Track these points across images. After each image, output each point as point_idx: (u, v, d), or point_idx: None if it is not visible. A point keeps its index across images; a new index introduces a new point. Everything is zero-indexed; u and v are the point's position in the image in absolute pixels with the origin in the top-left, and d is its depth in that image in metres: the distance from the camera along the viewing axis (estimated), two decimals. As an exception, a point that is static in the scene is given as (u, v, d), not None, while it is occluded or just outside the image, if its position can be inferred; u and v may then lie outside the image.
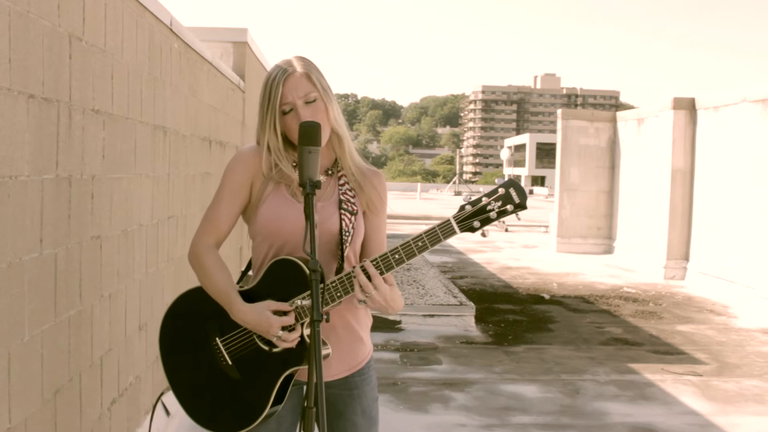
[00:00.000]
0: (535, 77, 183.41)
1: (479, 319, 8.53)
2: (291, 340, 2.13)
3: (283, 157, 2.30)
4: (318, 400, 1.86)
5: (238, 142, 7.07)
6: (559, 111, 16.22)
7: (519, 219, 2.13)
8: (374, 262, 2.14)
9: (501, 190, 2.09)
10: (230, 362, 2.24)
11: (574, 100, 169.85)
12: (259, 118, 2.30)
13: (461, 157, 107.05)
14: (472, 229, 2.10)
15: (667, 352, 7.47)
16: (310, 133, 2.06)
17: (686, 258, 12.48)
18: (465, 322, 8.25)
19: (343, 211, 2.30)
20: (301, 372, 2.23)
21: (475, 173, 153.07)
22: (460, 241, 18.24)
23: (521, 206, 2.08)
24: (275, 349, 2.18)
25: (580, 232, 15.77)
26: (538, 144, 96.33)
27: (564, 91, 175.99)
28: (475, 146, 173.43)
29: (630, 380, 6.41)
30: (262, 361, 2.19)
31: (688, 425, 5.34)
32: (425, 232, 2.12)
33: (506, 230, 21.73)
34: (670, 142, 12.55)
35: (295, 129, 2.16)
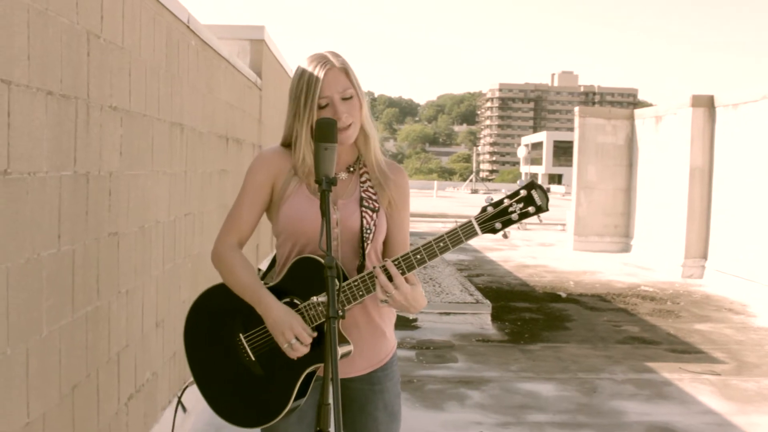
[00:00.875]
0: (553, 75, 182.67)
1: (495, 317, 8.51)
2: (299, 352, 2.15)
3: (311, 152, 2.30)
4: (334, 397, 1.87)
5: (254, 139, 7.09)
6: (576, 109, 16.13)
7: (540, 221, 2.15)
8: (395, 262, 2.14)
9: (523, 192, 2.09)
10: (253, 358, 2.25)
11: (591, 98, 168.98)
12: (292, 112, 2.28)
13: (478, 155, 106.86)
14: (494, 231, 2.10)
15: (684, 351, 7.41)
16: (326, 129, 2.07)
17: (704, 256, 12.39)
18: (481, 320, 8.23)
19: (364, 209, 2.29)
20: (322, 368, 2.24)
21: (492, 171, 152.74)
22: (477, 239, 18.15)
23: (542, 209, 2.08)
24: (294, 342, 2.18)
25: (597, 231, 15.69)
26: (555, 142, 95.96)
27: (581, 89, 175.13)
28: (492, 144, 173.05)
29: (647, 379, 6.37)
30: (285, 358, 2.20)
31: (706, 425, 5.29)
32: (447, 233, 2.12)
33: (524, 228, 21.65)
34: (688, 139, 12.45)
35: None
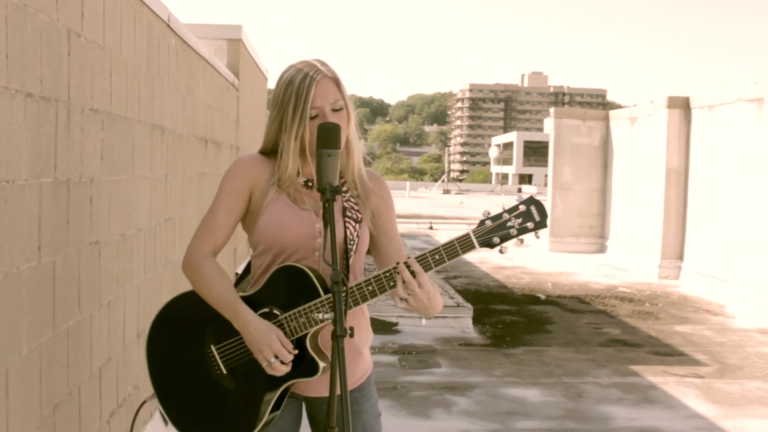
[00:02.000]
0: (523, 75, 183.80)
1: (476, 320, 8.43)
2: (279, 371, 2.03)
3: (295, 164, 2.18)
4: (345, 419, 1.76)
5: (232, 141, 6.93)
6: (552, 110, 16.14)
7: (538, 237, 2.06)
8: (386, 274, 2.03)
9: (522, 207, 2.02)
10: (225, 371, 2.13)
11: (561, 99, 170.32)
12: (277, 121, 2.17)
13: (450, 155, 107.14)
14: (491, 245, 2.02)
15: (667, 354, 7.39)
16: (329, 135, 1.95)
17: (680, 257, 12.43)
18: (462, 323, 8.14)
19: (347, 219, 2.20)
20: (298, 385, 2.15)
21: (462, 171, 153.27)
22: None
23: (542, 225, 2.02)
24: (274, 361, 2.05)
25: (572, 231, 15.71)
26: (525, 142, 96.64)
27: (551, 90, 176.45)
28: (463, 144, 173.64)
29: (632, 383, 6.32)
30: (260, 372, 2.08)
31: (695, 429, 5.25)
32: (443, 246, 2.04)
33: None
34: (664, 141, 12.49)
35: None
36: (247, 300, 2.10)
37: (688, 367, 6.88)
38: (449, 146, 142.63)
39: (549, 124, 16.32)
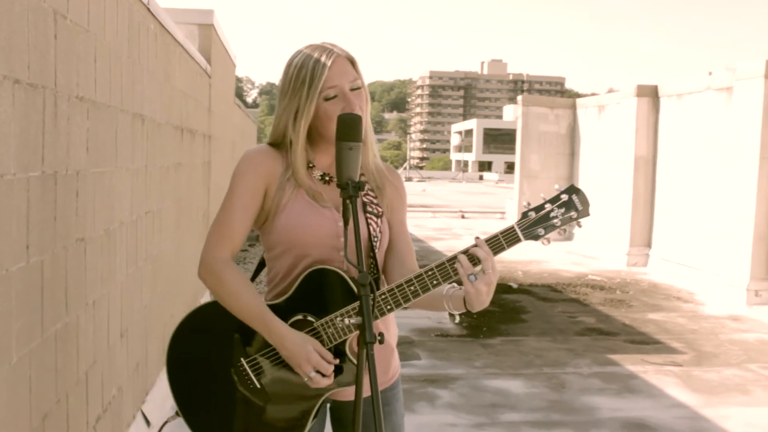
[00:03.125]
0: (482, 63, 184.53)
1: (452, 310, 8.35)
2: (321, 384, 1.90)
3: (302, 155, 2.04)
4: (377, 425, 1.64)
5: (205, 129, 6.73)
6: (519, 97, 16.14)
7: (581, 227, 1.99)
8: (429, 273, 1.91)
9: (564, 197, 1.96)
10: (258, 385, 1.98)
11: (520, 86, 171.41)
12: (292, 108, 2.02)
13: (412, 141, 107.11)
14: (536, 237, 1.94)
15: (643, 342, 7.40)
16: (350, 126, 1.82)
17: (649, 245, 12.53)
18: (438, 314, 8.06)
19: (369, 215, 2.08)
20: (338, 392, 2.02)
21: (422, 158, 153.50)
22: (418, 228, 18.11)
23: (584, 213, 1.96)
24: (315, 375, 1.92)
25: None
26: (485, 129, 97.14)
27: (510, 77, 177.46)
28: (423, 131, 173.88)
29: (612, 372, 6.30)
30: (296, 384, 1.95)
31: (679, 419, 5.24)
32: (488, 240, 1.92)
33: (463, 217, 21.67)
34: (632, 129, 12.54)
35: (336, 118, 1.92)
36: (278, 308, 1.96)
37: (665, 355, 6.89)
38: (410, 133, 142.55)
39: (509, 111, 16.31)
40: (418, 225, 18.91)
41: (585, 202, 1.96)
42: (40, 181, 2.24)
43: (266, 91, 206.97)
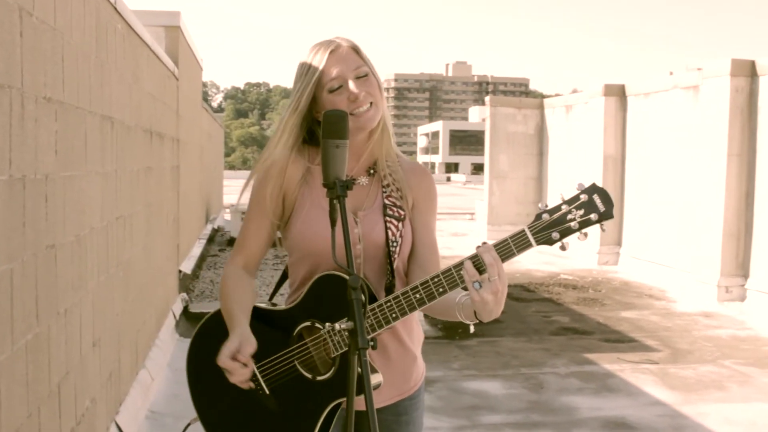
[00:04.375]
0: (447, 65, 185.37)
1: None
2: (235, 377, 1.81)
3: (285, 149, 1.96)
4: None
5: (173, 133, 6.60)
6: (487, 98, 16.15)
7: (604, 230, 1.80)
8: (435, 280, 1.80)
9: (583, 197, 1.76)
10: (267, 391, 1.91)
11: (485, 88, 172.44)
12: (290, 107, 1.97)
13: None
14: (551, 242, 1.77)
15: (618, 340, 7.41)
16: (335, 123, 1.74)
17: (619, 243, 12.60)
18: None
19: (388, 218, 1.97)
20: (347, 404, 1.92)
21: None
22: (390, 230, 18.03)
23: (607, 215, 1.75)
24: (320, 377, 1.88)
25: (510, 219, 15.76)
26: (451, 131, 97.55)
27: (475, 79, 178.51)
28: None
29: (589, 371, 6.29)
30: (305, 390, 1.89)
31: (659, 416, 5.23)
32: (496, 245, 1.78)
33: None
34: (600, 128, 12.62)
35: (343, 109, 1.85)
36: (288, 314, 1.90)
37: (641, 353, 6.90)
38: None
39: (475, 113, 16.33)
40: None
41: (608, 202, 1.76)
42: (8, 186, 2.13)
43: (231, 95, 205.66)
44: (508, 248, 1.77)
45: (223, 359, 1.79)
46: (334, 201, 1.73)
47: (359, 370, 1.79)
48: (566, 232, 1.76)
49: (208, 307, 1.96)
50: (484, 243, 1.80)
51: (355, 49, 1.96)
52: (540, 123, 15.74)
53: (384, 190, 2.02)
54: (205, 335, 2.00)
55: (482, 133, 16.39)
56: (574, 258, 13.26)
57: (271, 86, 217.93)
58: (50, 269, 2.59)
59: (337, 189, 1.71)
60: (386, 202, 2.00)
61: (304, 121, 1.97)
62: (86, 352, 3.18)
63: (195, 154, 9.30)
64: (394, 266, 1.95)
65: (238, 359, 1.78)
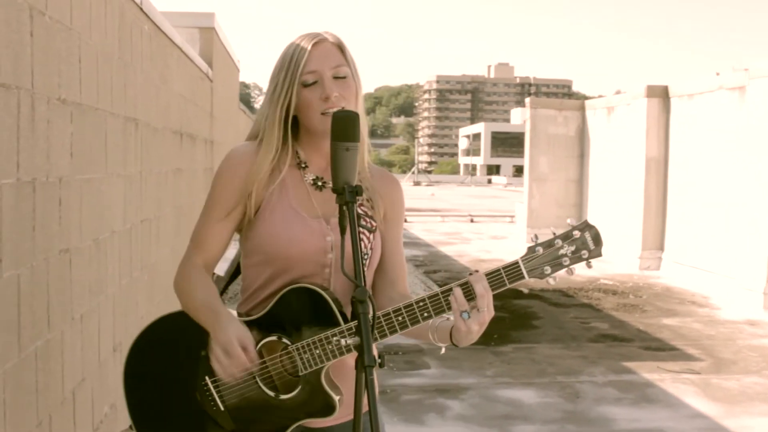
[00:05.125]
0: (489, 66, 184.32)
1: (461, 317, 8.15)
2: (227, 374, 1.72)
3: (269, 149, 1.86)
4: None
5: (206, 135, 6.58)
6: (527, 100, 15.95)
7: (590, 267, 1.80)
8: (408, 309, 1.73)
9: (576, 233, 1.76)
10: (222, 408, 1.80)
11: (527, 89, 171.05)
12: (269, 97, 1.86)
13: (420, 146, 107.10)
14: (541, 276, 1.75)
15: (658, 348, 7.19)
16: (346, 124, 1.64)
17: (661, 248, 12.30)
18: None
19: (361, 229, 1.87)
20: (315, 422, 1.81)
21: (430, 163, 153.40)
22: (428, 233, 17.92)
23: (596, 254, 1.77)
24: (284, 396, 1.76)
25: (550, 222, 15.49)
26: (493, 133, 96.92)
27: (517, 80, 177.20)
28: (430, 136, 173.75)
29: (628, 381, 6.10)
30: (266, 409, 1.77)
31: (700, 430, 5.04)
32: (488, 274, 1.73)
33: (472, 221, 21.48)
34: (643, 130, 12.34)
35: (315, 107, 1.78)
36: (250, 325, 1.78)
37: (682, 363, 6.69)
38: (418, 138, 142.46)
39: (517, 115, 16.12)
40: (427, 229, 18.73)
41: (598, 242, 1.76)
42: (15, 189, 2.08)
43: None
44: (500, 279, 1.74)
45: (235, 345, 1.68)
46: (344, 207, 1.63)
47: (326, 390, 1.72)
48: (557, 267, 1.75)
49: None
50: (476, 271, 1.75)
51: (340, 47, 1.87)
52: (581, 125, 15.48)
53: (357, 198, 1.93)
54: (153, 343, 1.88)
55: (524, 135, 16.15)
56: (614, 262, 12.98)
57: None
58: (64, 274, 2.53)
59: (346, 195, 1.62)
60: (359, 211, 1.89)
61: (287, 111, 1.85)
62: (105, 358, 3.13)
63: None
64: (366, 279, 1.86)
65: (248, 349, 1.70)
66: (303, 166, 1.90)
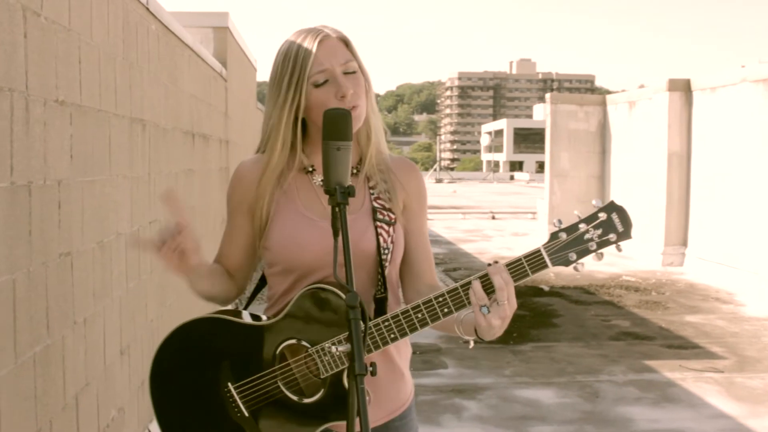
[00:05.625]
0: (511, 63, 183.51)
1: (480, 315, 8.07)
2: (161, 252, 1.71)
3: (282, 154, 1.83)
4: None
5: (221, 134, 6.55)
6: (547, 95, 15.79)
7: (620, 251, 1.68)
8: (428, 305, 1.67)
9: (602, 215, 1.65)
10: (247, 414, 1.76)
11: (549, 85, 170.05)
12: (273, 100, 1.81)
13: (441, 143, 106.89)
14: (567, 263, 1.65)
15: (681, 347, 7.07)
16: (338, 122, 1.58)
17: (684, 244, 12.13)
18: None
19: (379, 223, 1.82)
20: (341, 425, 1.77)
21: (453, 160, 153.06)
22: (449, 230, 17.83)
23: (626, 235, 1.65)
24: (307, 400, 1.72)
25: (571, 219, 15.35)
26: (515, 129, 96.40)
27: (540, 76, 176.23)
28: (453, 133, 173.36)
29: (649, 380, 6.00)
30: (290, 414, 1.73)
31: (722, 431, 4.93)
32: (509, 264, 1.65)
33: (493, 218, 21.35)
34: (665, 125, 12.16)
35: (331, 106, 1.71)
36: (267, 330, 1.75)
37: (705, 361, 6.56)
38: (440, 135, 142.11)
39: (539, 111, 15.98)
40: (448, 227, 18.64)
41: (627, 223, 1.65)
42: (9, 193, 2.04)
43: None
44: (521, 269, 1.65)
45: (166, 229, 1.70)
46: (336, 209, 1.58)
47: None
48: (583, 253, 1.65)
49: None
50: (496, 262, 1.66)
51: (345, 42, 1.81)
52: (602, 120, 15.30)
53: (371, 191, 1.87)
54: (177, 349, 1.83)
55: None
56: (637, 259, 12.82)
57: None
58: (65, 278, 2.50)
59: (338, 196, 1.56)
60: (375, 204, 1.85)
61: (296, 114, 1.80)
62: (112, 361, 3.10)
63: (247, 155, 9.27)
64: (387, 276, 1.81)
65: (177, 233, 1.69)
66: (309, 170, 1.87)
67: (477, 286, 1.64)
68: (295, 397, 1.72)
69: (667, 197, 12.12)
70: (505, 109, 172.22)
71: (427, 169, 65.58)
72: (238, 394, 1.76)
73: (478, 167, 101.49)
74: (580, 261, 1.64)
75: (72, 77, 2.57)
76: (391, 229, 1.84)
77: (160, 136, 4.00)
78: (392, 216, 1.86)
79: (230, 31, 7.13)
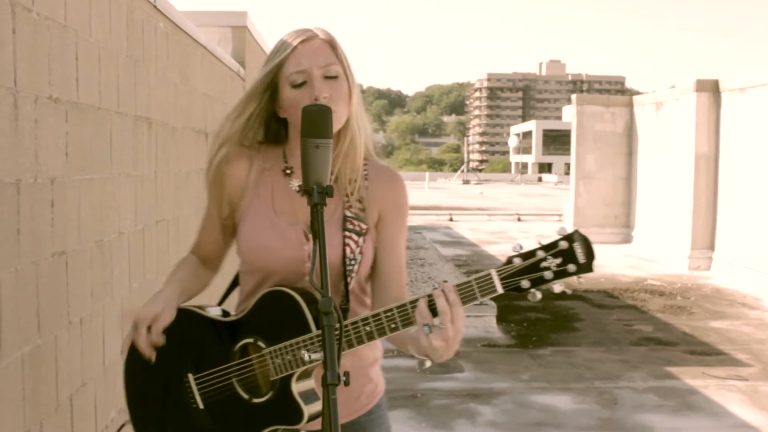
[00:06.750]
0: (540, 64, 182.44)
1: (500, 318, 7.99)
2: (139, 342, 1.73)
3: (233, 144, 1.85)
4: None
5: (237, 134, 6.53)
6: (573, 96, 15.62)
7: (581, 282, 1.59)
8: (376, 319, 1.63)
9: (563, 244, 1.56)
10: (201, 406, 1.77)
11: (579, 87, 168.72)
12: (250, 90, 1.83)
13: (469, 144, 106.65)
14: (520, 290, 1.57)
15: (704, 353, 6.92)
16: (317, 120, 1.54)
17: (711, 247, 11.91)
18: (486, 322, 7.71)
19: (347, 233, 1.79)
20: (311, 426, 1.72)
21: (482, 161, 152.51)
22: (473, 232, 17.70)
23: (586, 268, 1.55)
24: (256, 400, 1.71)
25: (597, 221, 15.19)
26: (544, 131, 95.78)
27: (569, 78, 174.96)
28: (481, 134, 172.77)
29: (670, 387, 5.87)
30: (240, 411, 1.73)
31: (743, 441, 4.80)
32: (458, 286, 1.58)
33: (519, 219, 21.17)
34: (692, 126, 11.96)
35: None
36: (231, 326, 1.75)
37: (729, 368, 6.41)
38: (468, 136, 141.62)
39: (569, 112, 15.81)
40: (473, 228, 18.52)
41: (590, 254, 1.56)
42: (-5, 191, 2.01)
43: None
44: (470, 291, 1.58)
45: (141, 318, 1.72)
46: (314, 209, 1.52)
47: (295, 399, 1.67)
48: (538, 282, 1.56)
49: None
50: (445, 282, 1.60)
51: (331, 44, 1.77)
52: (629, 121, 15.10)
53: (346, 199, 1.83)
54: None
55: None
56: (662, 262, 12.61)
57: (365, 87, 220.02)
58: (58, 277, 2.47)
59: (315, 196, 1.51)
60: (347, 213, 1.81)
61: (264, 111, 1.80)
62: (112, 362, 3.06)
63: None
64: (350, 287, 1.77)
65: (152, 328, 1.71)
66: (288, 172, 1.84)
67: (422, 304, 1.59)
68: (246, 396, 1.72)
69: (694, 200, 11.91)
70: (534, 110, 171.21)
71: (455, 171, 65.34)
72: (196, 385, 1.77)
73: (506, 169, 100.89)
74: (534, 290, 1.56)
75: (68, 74, 2.53)
76: (360, 240, 1.81)
77: (168, 134, 3.97)
78: (363, 226, 1.82)
79: (249, 30, 7.10)
